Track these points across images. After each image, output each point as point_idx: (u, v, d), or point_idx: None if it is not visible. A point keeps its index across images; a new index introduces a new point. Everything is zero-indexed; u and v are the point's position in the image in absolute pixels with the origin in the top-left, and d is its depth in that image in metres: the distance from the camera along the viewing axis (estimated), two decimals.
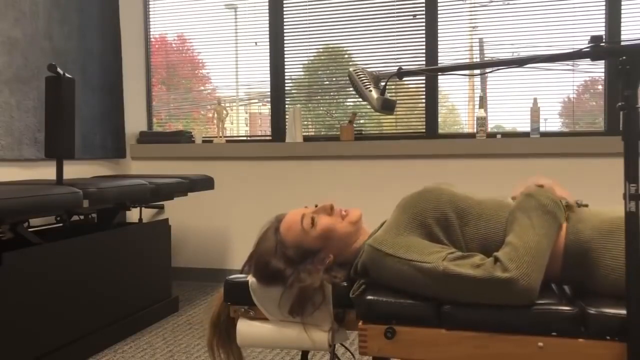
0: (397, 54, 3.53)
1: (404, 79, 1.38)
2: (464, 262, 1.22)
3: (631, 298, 1.09)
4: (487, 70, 1.19)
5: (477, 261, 1.22)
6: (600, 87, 3.31)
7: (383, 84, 1.32)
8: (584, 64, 3.23)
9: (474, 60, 3.49)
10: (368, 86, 1.30)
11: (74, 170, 3.26)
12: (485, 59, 3.47)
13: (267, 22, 3.75)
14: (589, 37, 1.12)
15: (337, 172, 3.54)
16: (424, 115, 3.51)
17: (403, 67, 1.34)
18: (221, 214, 3.78)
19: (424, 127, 3.51)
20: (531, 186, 1.37)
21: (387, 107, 1.29)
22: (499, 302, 1.20)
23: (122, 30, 3.78)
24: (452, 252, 1.27)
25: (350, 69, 1.34)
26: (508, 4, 3.36)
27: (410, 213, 1.33)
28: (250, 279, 1.46)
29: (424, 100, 3.51)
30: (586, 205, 1.38)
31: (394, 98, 1.30)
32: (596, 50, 1.11)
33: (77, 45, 3.37)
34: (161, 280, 3.05)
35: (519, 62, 1.26)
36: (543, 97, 3.28)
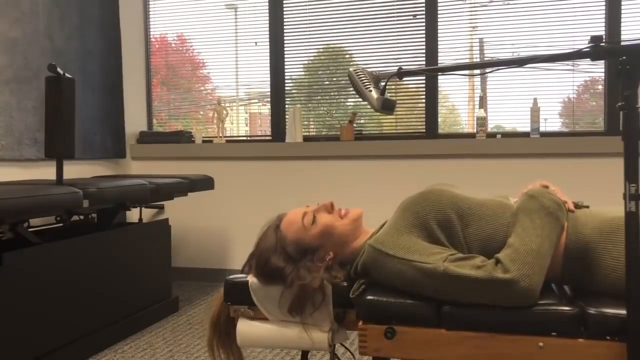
0: (397, 54, 3.53)
1: (404, 79, 1.38)
2: (465, 263, 1.22)
3: (631, 298, 1.09)
4: (487, 70, 1.19)
5: (478, 262, 1.22)
6: (600, 87, 3.31)
7: (383, 84, 1.32)
8: (584, 64, 3.23)
9: (474, 60, 3.49)
10: (368, 86, 1.30)
11: (74, 170, 3.26)
12: (485, 58, 3.47)
13: (267, 22, 3.75)
14: (589, 37, 1.12)
15: (337, 172, 3.54)
16: (424, 115, 3.51)
17: (403, 67, 1.33)
18: (221, 214, 3.78)
19: (424, 127, 3.51)
20: (535, 187, 1.37)
21: (387, 107, 1.29)
22: (499, 303, 1.19)
23: (122, 30, 3.78)
24: (453, 253, 1.26)
25: (350, 69, 1.34)
26: (508, 4, 3.36)
27: (412, 214, 1.33)
28: (251, 278, 1.46)
29: (424, 100, 3.51)
30: (587, 207, 1.38)
31: (393, 98, 1.30)
32: (596, 50, 1.11)
33: (77, 45, 3.36)
34: (161, 280, 3.05)
35: (519, 62, 1.26)
36: (543, 97, 3.28)
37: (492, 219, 1.31)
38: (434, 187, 1.40)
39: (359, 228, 1.47)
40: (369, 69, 1.36)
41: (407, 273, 1.26)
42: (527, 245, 1.21)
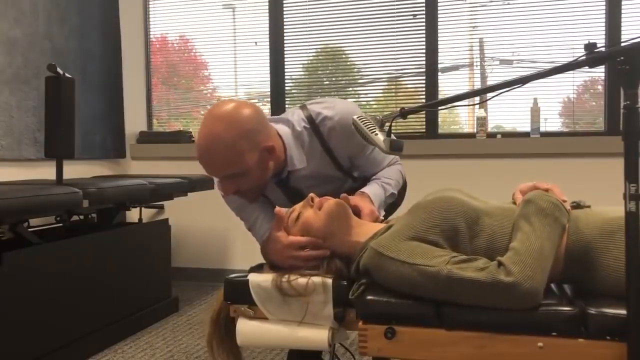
0: (397, 54, 3.53)
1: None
2: (468, 265, 1.22)
3: (631, 298, 1.08)
4: (489, 96, 1.19)
5: (480, 265, 1.21)
6: (600, 87, 3.31)
7: (388, 125, 1.34)
8: None
9: (474, 60, 3.49)
10: (373, 130, 1.32)
11: (74, 170, 3.26)
12: (486, 58, 3.48)
13: (267, 22, 3.75)
14: (587, 41, 1.12)
15: None
16: (424, 115, 3.51)
17: (405, 107, 1.36)
18: (221, 214, 3.76)
19: (424, 127, 3.51)
20: (524, 188, 1.39)
21: (395, 147, 1.31)
22: (503, 305, 1.19)
23: (122, 30, 3.78)
24: (455, 255, 1.26)
25: (354, 117, 1.37)
26: (508, 4, 3.36)
27: (420, 221, 1.33)
28: (251, 277, 1.46)
29: (424, 100, 3.50)
30: (589, 206, 1.38)
31: (400, 139, 1.31)
32: (593, 57, 1.11)
33: (77, 45, 3.37)
34: (161, 280, 3.05)
35: (521, 82, 1.25)
36: (543, 97, 3.28)
37: (499, 229, 1.32)
38: (446, 194, 1.39)
39: (343, 219, 1.47)
40: (371, 114, 1.39)
41: (410, 276, 1.26)
42: (528, 247, 1.20)
